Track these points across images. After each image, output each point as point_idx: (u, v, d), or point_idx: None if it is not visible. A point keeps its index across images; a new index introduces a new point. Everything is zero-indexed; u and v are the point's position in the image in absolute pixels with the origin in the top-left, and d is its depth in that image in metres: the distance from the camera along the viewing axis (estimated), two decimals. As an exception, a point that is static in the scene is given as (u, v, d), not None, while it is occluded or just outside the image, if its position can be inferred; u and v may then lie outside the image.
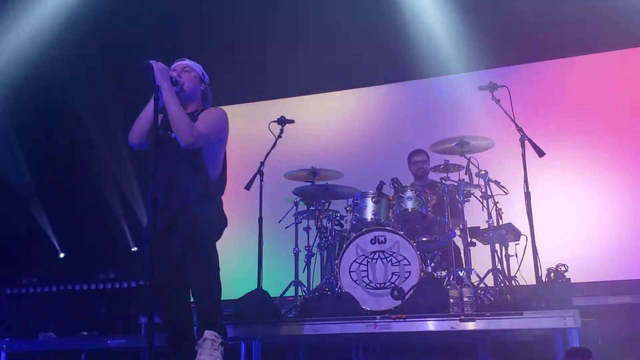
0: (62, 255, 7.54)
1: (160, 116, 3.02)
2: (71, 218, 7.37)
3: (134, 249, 7.24)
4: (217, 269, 2.91)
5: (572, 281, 3.79)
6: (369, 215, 4.49)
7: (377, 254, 4.17)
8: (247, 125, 6.47)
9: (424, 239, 4.48)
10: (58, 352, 4.75)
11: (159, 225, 2.80)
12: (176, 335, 2.99)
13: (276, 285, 4.98)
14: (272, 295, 4.32)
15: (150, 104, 2.97)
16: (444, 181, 4.65)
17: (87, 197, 7.37)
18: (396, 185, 4.60)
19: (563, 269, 3.77)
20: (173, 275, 2.93)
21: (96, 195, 7.32)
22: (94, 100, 7.19)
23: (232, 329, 3.77)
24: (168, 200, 2.96)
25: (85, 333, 5.39)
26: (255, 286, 4.40)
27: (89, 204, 7.34)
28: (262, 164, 4.79)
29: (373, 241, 4.22)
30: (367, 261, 4.16)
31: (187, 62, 3.23)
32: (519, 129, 4.25)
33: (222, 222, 3.11)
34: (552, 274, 3.79)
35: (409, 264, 4.07)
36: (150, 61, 2.93)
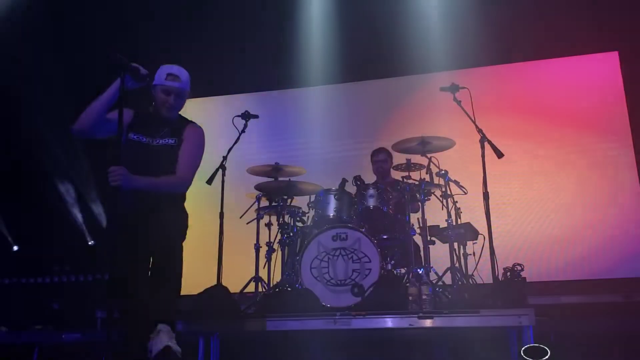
0: (15, 248, 7.32)
1: (130, 113, 3.07)
2: (25, 211, 7.16)
3: (91, 242, 7.09)
4: (181, 270, 2.99)
5: (527, 280, 3.88)
6: (331, 212, 4.50)
7: (339, 250, 4.18)
8: (210, 119, 6.40)
9: (385, 236, 4.51)
10: (10, 346, 4.61)
11: (129, 221, 2.85)
12: (132, 328, 2.95)
13: (236, 281, 4.94)
14: (231, 291, 4.28)
15: (106, 95, 2.97)
16: (405, 180, 4.69)
17: (40, 189, 7.17)
18: (359, 182, 4.63)
19: (519, 268, 3.86)
20: (137, 271, 2.95)
21: (50, 187, 7.13)
22: (46, 92, 6.99)
23: (190, 324, 3.74)
24: (140, 197, 2.94)
25: (39, 327, 5.25)
26: (215, 282, 4.36)
27: (43, 197, 7.14)
28: (225, 158, 4.74)
29: (335, 238, 4.23)
30: (328, 258, 4.18)
31: (182, 83, 3.16)
32: (479, 130, 4.31)
33: (187, 221, 3.17)
34: (508, 273, 3.88)
35: (370, 261, 4.10)
36: (137, 66, 2.87)
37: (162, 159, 3.08)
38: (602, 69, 6.55)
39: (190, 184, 3.12)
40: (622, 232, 6.04)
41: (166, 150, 3.10)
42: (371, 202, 4.51)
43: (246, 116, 4.92)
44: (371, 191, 4.55)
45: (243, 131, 4.88)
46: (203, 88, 7.02)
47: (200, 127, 3.29)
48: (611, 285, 5.74)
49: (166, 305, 2.90)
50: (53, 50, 6.78)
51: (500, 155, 4.22)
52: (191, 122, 3.30)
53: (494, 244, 4.01)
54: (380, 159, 5.36)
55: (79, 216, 7.16)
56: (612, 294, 5.31)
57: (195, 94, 6.61)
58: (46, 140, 7.11)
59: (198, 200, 4.87)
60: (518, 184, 6.23)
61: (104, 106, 2.99)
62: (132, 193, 2.89)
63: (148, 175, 2.97)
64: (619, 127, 6.31)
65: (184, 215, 3.15)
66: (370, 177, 5.21)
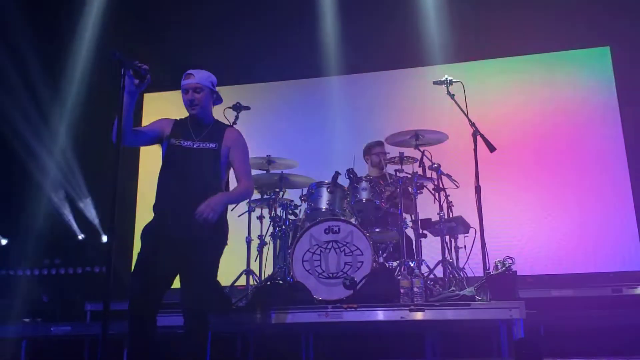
0: (4, 242, 7.26)
1: (171, 122, 3.23)
2: (14, 205, 7.10)
3: (81, 236, 7.06)
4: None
5: (518, 274, 3.89)
6: (323, 205, 4.49)
7: (331, 243, 4.18)
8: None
9: (377, 229, 4.51)
10: (-1, 340, 4.58)
11: (171, 223, 3.01)
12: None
13: (227, 274, 4.91)
14: (223, 284, 4.27)
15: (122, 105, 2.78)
16: (398, 173, 4.69)
17: (31, 183, 7.11)
18: (351, 175, 4.62)
19: (510, 261, 3.87)
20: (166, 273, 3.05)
21: (40, 182, 7.08)
22: (32, 87, 6.92)
23: (181, 317, 3.72)
24: (184, 202, 3.02)
25: (27, 320, 5.21)
26: (206, 274, 4.33)
27: (34, 191, 7.09)
28: (217, 150, 4.71)
29: (327, 231, 4.22)
30: (321, 251, 4.17)
31: (196, 79, 3.21)
32: (472, 124, 4.32)
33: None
34: (499, 267, 3.89)
35: (362, 254, 4.10)
36: (141, 65, 2.81)
37: (204, 161, 3.15)
38: (594, 64, 6.57)
39: (253, 184, 3.38)
40: (611, 227, 6.08)
41: (207, 153, 3.17)
42: (364, 195, 4.51)
43: (238, 108, 4.90)
44: (364, 184, 4.55)
45: (234, 123, 4.86)
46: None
47: (237, 130, 3.41)
48: (601, 278, 5.78)
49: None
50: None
51: (492, 149, 4.24)
52: (228, 125, 3.45)
53: (485, 238, 4.03)
54: (381, 150, 5.34)
55: (67, 210, 7.11)
56: (602, 288, 5.35)
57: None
58: (35, 134, 7.05)
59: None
60: (510, 178, 6.25)
61: (125, 117, 2.81)
62: (178, 192, 3.06)
63: (191, 178, 3.09)
64: (611, 122, 6.33)
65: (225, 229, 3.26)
66: (362, 170, 5.21)
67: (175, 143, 3.15)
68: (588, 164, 6.29)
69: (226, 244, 3.24)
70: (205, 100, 3.23)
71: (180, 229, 3.00)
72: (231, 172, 3.31)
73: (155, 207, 3.13)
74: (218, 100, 3.36)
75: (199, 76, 3.23)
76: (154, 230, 3.07)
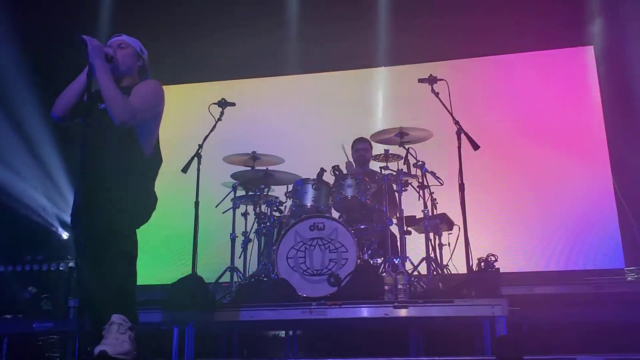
0: None
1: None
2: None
3: (65, 235, 6.99)
4: (132, 253, 2.84)
5: (501, 271, 3.92)
6: (308, 201, 4.49)
7: (316, 240, 4.18)
8: (186, 106, 6.34)
9: (362, 226, 4.52)
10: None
11: (81, 201, 2.80)
12: (93, 318, 2.86)
13: (211, 270, 4.91)
14: (207, 280, 4.25)
15: (80, 78, 2.94)
16: (383, 170, 4.71)
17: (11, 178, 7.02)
18: (337, 172, 4.63)
19: (493, 259, 3.90)
20: (90, 256, 2.82)
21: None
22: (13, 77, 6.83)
23: (165, 314, 3.70)
24: (94, 175, 2.84)
25: (8, 316, 5.14)
26: (190, 271, 4.32)
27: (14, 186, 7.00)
28: (201, 146, 4.69)
29: (312, 228, 4.22)
30: (305, 248, 4.17)
31: (124, 37, 3.13)
32: (456, 122, 4.34)
33: (149, 204, 3.02)
34: (482, 264, 3.91)
35: (347, 251, 4.10)
36: (84, 37, 2.86)
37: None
38: (578, 63, 6.62)
39: (133, 116, 2.86)
40: (593, 225, 6.13)
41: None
42: (349, 192, 4.51)
43: (223, 104, 4.88)
44: (349, 181, 4.55)
45: (219, 119, 4.84)
46: (180, 74, 6.94)
47: (151, 80, 3.16)
48: (582, 276, 5.84)
49: (118, 295, 2.78)
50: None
51: (476, 147, 4.26)
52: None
53: (469, 235, 4.05)
54: (362, 147, 5.37)
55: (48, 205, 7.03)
56: (584, 285, 5.40)
57: (172, 81, 6.59)
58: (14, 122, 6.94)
59: (173, 189, 4.84)
60: (493, 175, 6.29)
61: (78, 89, 2.93)
62: (92, 165, 2.83)
63: (104, 140, 2.88)
64: (593, 122, 6.39)
65: (141, 191, 2.97)
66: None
67: (91, 105, 2.91)
68: (571, 162, 6.34)
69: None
70: (126, 59, 3.04)
71: None
72: (166, 153, 3.14)
73: None
74: (145, 75, 3.15)
75: (128, 37, 3.12)
76: None
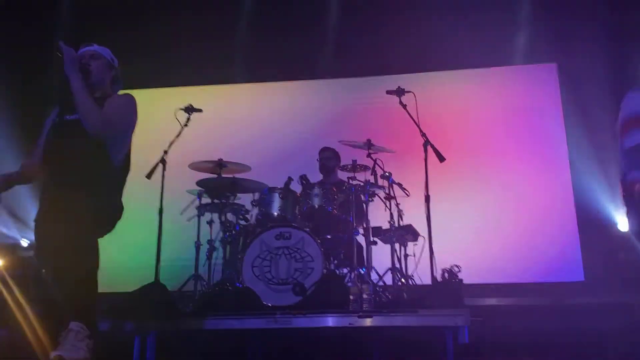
0: None
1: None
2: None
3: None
4: (92, 262, 2.79)
5: (464, 282, 3.96)
6: (275, 210, 4.47)
7: (282, 250, 4.15)
8: (152, 111, 6.23)
9: (329, 236, 4.52)
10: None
11: (45, 207, 2.83)
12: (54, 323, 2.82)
13: (175, 279, 4.83)
14: (170, 289, 4.18)
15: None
16: (350, 181, 4.72)
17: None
18: (304, 182, 4.62)
19: (457, 269, 3.94)
20: (50, 263, 2.79)
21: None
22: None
23: (126, 322, 3.62)
24: (59, 184, 2.85)
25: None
26: (152, 279, 4.24)
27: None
28: (166, 152, 4.63)
29: (278, 237, 4.20)
30: (271, 257, 4.14)
31: (95, 47, 3.12)
32: (423, 135, 4.39)
33: (114, 214, 3.01)
34: (446, 274, 3.95)
35: (313, 261, 4.09)
36: (63, 46, 2.90)
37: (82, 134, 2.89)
38: (542, 79, 6.79)
39: (106, 127, 2.87)
40: (554, 240, 6.27)
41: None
42: (316, 202, 4.51)
43: (189, 110, 4.82)
44: (316, 190, 4.55)
45: (186, 125, 4.78)
46: (146, 79, 6.84)
47: (126, 94, 3.13)
48: (543, 288, 5.95)
49: (77, 302, 2.72)
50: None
51: (442, 159, 4.31)
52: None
53: (434, 246, 4.09)
54: (325, 156, 5.37)
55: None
56: (544, 297, 5.51)
57: (138, 85, 6.50)
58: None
59: (137, 195, 4.73)
60: (459, 187, 6.37)
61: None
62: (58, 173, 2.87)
63: (72, 148, 2.88)
64: (556, 137, 6.55)
65: (106, 199, 2.95)
66: (316, 177, 5.21)
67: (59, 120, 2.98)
68: (533, 177, 6.48)
69: None
70: (99, 70, 3.05)
71: None
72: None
73: None
74: (117, 85, 3.14)
75: (99, 47, 3.11)
76: None
